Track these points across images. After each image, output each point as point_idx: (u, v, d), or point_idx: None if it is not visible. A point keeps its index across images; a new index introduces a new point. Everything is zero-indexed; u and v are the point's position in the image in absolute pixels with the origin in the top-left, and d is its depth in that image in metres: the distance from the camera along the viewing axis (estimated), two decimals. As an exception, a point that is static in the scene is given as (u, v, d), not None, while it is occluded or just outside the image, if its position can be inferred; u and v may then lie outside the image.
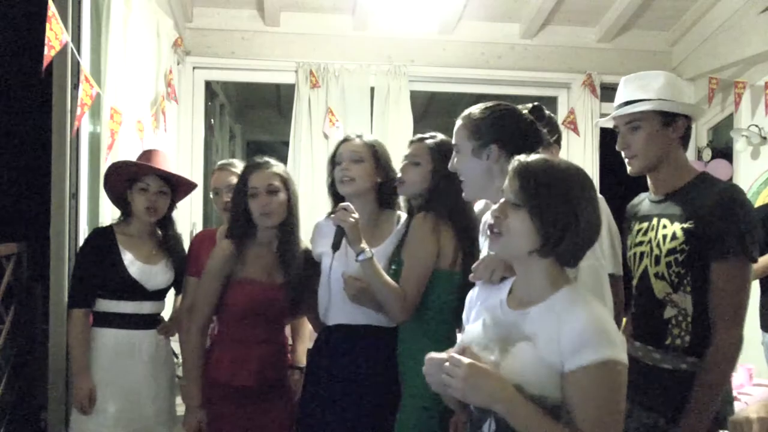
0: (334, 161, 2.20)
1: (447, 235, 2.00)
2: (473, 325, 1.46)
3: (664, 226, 1.78)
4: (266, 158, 2.24)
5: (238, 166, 2.60)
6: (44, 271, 2.48)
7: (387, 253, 2.14)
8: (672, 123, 1.80)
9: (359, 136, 2.21)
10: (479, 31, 4.27)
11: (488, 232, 1.38)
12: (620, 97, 1.88)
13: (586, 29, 4.34)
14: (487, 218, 1.74)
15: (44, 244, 2.46)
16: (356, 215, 1.98)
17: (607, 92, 4.37)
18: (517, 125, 1.67)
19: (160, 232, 2.43)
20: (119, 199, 2.38)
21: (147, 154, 2.43)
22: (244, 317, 2.16)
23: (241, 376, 2.13)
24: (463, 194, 1.74)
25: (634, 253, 1.89)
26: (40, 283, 2.61)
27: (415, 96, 4.30)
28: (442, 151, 2.03)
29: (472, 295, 1.60)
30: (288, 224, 2.19)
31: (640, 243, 1.86)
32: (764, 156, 3.94)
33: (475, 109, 1.71)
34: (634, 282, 1.89)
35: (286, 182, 2.20)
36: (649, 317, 1.81)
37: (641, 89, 1.83)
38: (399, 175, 2.11)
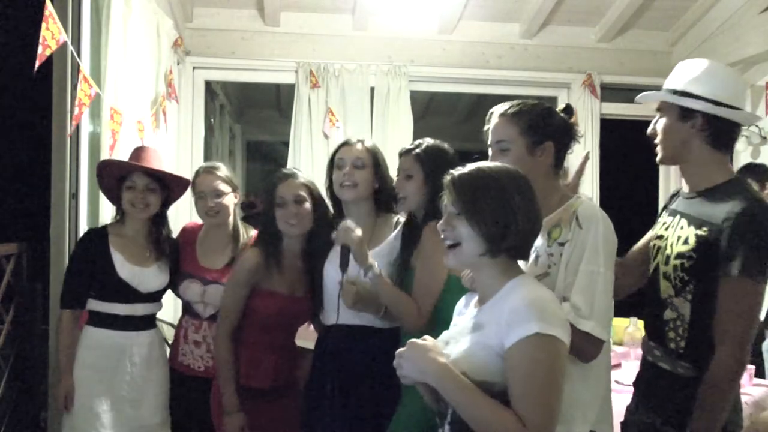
0: (333, 164, 2.20)
1: None
2: (448, 330, 1.52)
3: (681, 227, 1.73)
4: (293, 169, 2.31)
5: (223, 169, 2.55)
6: (44, 271, 2.48)
7: (384, 254, 2.13)
8: (689, 118, 1.72)
9: (361, 141, 2.21)
10: (479, 31, 4.27)
11: (445, 248, 1.44)
12: (665, 81, 1.82)
13: (586, 29, 4.34)
14: None
15: (44, 244, 2.46)
16: (359, 231, 1.99)
17: (607, 92, 4.38)
18: (563, 123, 1.73)
19: (154, 232, 2.40)
20: (114, 197, 2.37)
21: (136, 152, 2.41)
22: (264, 326, 2.21)
23: (256, 378, 2.19)
24: None
25: (654, 245, 1.84)
26: (40, 283, 2.61)
27: (415, 96, 4.30)
28: (431, 157, 2.05)
29: (459, 304, 1.62)
30: (316, 234, 2.22)
31: (660, 237, 1.82)
32: (764, 156, 3.94)
33: (524, 106, 1.74)
34: (649, 274, 1.84)
35: (311, 192, 2.24)
36: (653, 315, 1.80)
37: (675, 77, 1.78)
38: (396, 192, 2.10)
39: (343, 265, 2.01)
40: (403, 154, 2.12)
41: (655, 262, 1.81)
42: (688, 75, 1.76)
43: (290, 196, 2.18)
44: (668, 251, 1.74)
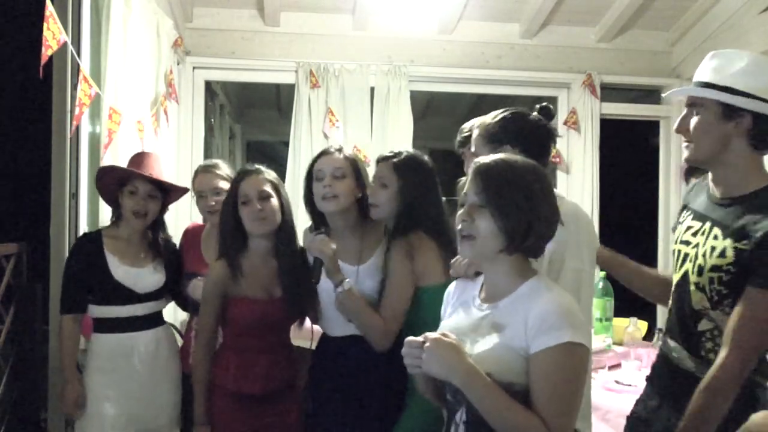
0: (312, 175, 2.13)
1: (428, 252, 2.01)
2: (449, 320, 1.52)
3: (715, 237, 1.61)
4: (257, 165, 2.22)
5: (223, 167, 2.56)
6: (44, 271, 2.48)
7: (379, 264, 2.11)
8: (734, 117, 1.59)
9: (339, 150, 2.14)
10: (479, 31, 4.27)
11: (459, 238, 1.41)
12: (697, 74, 1.69)
13: (586, 29, 4.33)
14: None
15: (44, 244, 2.46)
16: (334, 246, 1.98)
17: (607, 92, 4.38)
18: (525, 125, 1.77)
19: (150, 235, 2.42)
20: (112, 200, 2.38)
21: (138, 158, 2.42)
22: (248, 332, 2.16)
23: (247, 383, 2.14)
24: None
25: (679, 250, 1.75)
26: (40, 283, 2.61)
27: (415, 96, 4.29)
28: (409, 168, 2.05)
29: (449, 290, 1.63)
30: (283, 232, 2.17)
31: (687, 243, 1.72)
32: (765, 156, 3.93)
33: (488, 117, 1.82)
34: (675, 278, 1.75)
35: (277, 188, 2.17)
36: (684, 324, 1.70)
37: (715, 71, 1.64)
38: (369, 197, 2.10)
39: (316, 278, 1.98)
40: (381, 161, 2.11)
41: (682, 270, 1.72)
42: (728, 68, 1.63)
43: (254, 192, 2.11)
44: (700, 261, 1.64)
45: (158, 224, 2.44)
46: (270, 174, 2.20)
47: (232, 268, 2.12)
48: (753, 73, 1.60)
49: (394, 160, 2.08)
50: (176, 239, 2.66)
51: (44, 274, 2.49)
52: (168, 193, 2.44)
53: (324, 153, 2.15)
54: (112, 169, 2.36)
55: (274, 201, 2.14)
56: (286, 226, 2.18)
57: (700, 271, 1.64)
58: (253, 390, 2.13)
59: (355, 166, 2.13)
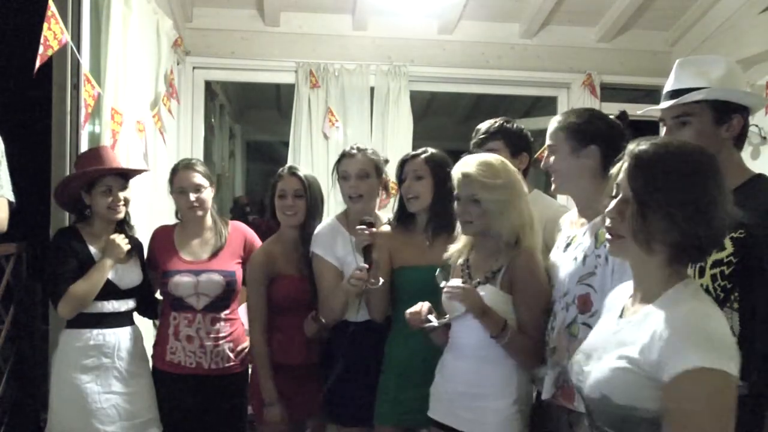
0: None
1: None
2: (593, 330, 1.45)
3: None
4: (293, 166, 2.55)
5: (200, 166, 2.60)
6: (44, 271, 2.47)
7: None
8: (726, 120, 1.62)
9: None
10: (479, 31, 4.27)
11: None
12: (671, 82, 1.69)
13: (586, 29, 4.34)
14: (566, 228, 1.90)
15: (44, 244, 2.45)
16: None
17: (607, 92, 4.38)
18: (611, 128, 1.82)
19: (120, 230, 2.40)
20: (72, 204, 2.36)
21: (95, 154, 2.37)
22: (289, 308, 2.41)
23: (289, 355, 2.39)
24: (553, 189, 1.90)
25: None
26: (40, 283, 2.61)
27: (415, 96, 4.30)
28: (438, 163, 2.21)
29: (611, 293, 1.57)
30: (311, 226, 2.45)
31: None
32: (764, 156, 3.93)
33: (572, 114, 1.86)
34: None
35: (306, 189, 2.45)
36: None
37: (697, 76, 1.64)
38: (408, 193, 2.23)
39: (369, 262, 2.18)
40: (411, 158, 2.27)
41: None
42: (711, 72, 1.64)
43: (290, 190, 2.43)
44: (701, 262, 1.61)
45: (123, 219, 2.41)
46: (302, 174, 2.49)
47: (275, 249, 2.47)
48: (736, 76, 1.67)
49: (424, 155, 2.25)
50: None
51: (44, 274, 2.48)
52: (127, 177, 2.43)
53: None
54: (82, 174, 2.31)
55: (303, 201, 2.43)
56: (311, 222, 2.45)
57: (702, 271, 1.63)
58: (295, 361, 2.39)
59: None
